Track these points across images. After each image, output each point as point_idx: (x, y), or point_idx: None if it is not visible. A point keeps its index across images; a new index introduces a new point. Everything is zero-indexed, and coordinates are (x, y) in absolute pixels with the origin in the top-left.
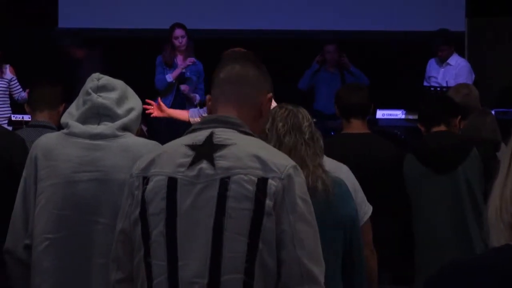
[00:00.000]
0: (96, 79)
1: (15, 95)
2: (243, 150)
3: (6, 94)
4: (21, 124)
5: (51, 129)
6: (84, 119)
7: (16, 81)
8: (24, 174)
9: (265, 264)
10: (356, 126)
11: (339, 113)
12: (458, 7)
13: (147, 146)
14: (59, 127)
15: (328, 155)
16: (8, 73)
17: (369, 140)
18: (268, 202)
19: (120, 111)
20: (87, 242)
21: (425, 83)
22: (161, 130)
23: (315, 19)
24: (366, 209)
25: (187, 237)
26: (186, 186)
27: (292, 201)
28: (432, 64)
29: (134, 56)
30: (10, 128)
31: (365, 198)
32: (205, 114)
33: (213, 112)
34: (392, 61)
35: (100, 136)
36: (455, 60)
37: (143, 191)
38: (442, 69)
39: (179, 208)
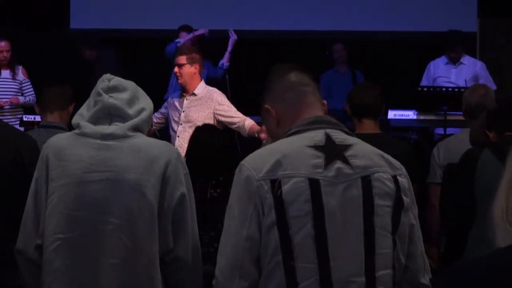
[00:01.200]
0: (107, 80)
1: (26, 104)
2: (367, 149)
3: (18, 95)
4: (32, 124)
5: (62, 129)
6: (95, 120)
7: (28, 83)
8: (35, 174)
9: (399, 259)
10: (368, 126)
11: (351, 112)
12: (469, 8)
13: (158, 147)
14: (70, 127)
15: None
16: (21, 74)
17: (382, 140)
18: (405, 198)
19: (131, 111)
20: (98, 242)
21: (423, 83)
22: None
23: (324, 20)
24: None
25: (337, 237)
26: (328, 186)
27: (412, 197)
28: (438, 65)
29: (146, 57)
30: (21, 128)
31: None
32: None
33: (291, 114)
34: (403, 61)
35: (111, 136)
36: (468, 60)
37: (279, 194)
38: (455, 69)
39: (325, 209)
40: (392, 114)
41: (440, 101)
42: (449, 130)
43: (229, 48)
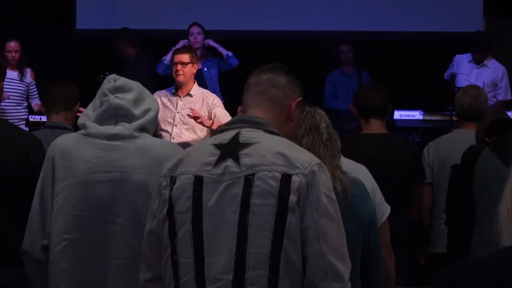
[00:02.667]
0: (113, 80)
1: (31, 100)
2: (268, 147)
3: (24, 97)
4: (38, 125)
5: (67, 130)
6: (101, 120)
7: (34, 86)
8: (41, 175)
9: (290, 261)
10: (375, 127)
11: (358, 113)
12: (475, 8)
13: (164, 147)
14: (75, 127)
15: (347, 156)
16: (29, 77)
17: (389, 140)
18: (292, 198)
19: (136, 111)
20: (104, 243)
21: (447, 75)
22: None
23: (330, 20)
24: (384, 210)
25: (213, 234)
26: (211, 184)
27: (316, 197)
28: (462, 61)
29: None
30: (27, 129)
31: (383, 198)
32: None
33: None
34: (410, 61)
35: (117, 136)
36: (493, 63)
37: (170, 190)
38: (476, 70)
39: (204, 206)
40: (398, 115)
41: (446, 102)
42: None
43: (217, 45)
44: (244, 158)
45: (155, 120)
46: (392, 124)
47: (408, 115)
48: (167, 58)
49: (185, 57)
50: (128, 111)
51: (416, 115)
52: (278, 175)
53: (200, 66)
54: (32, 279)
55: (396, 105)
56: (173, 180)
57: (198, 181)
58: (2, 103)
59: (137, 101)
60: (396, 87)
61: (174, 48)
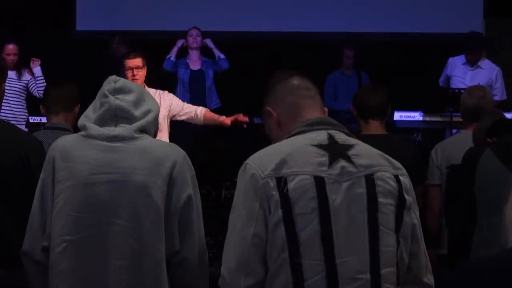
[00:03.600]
0: (113, 81)
1: (35, 93)
2: (368, 149)
3: (23, 96)
4: (38, 126)
5: (67, 131)
6: (101, 122)
7: (33, 81)
8: (41, 176)
9: (403, 258)
10: (374, 127)
11: (357, 114)
12: (475, 9)
13: (165, 148)
14: (75, 128)
15: None
16: (27, 75)
17: (389, 141)
18: (408, 197)
19: (137, 113)
20: (105, 244)
21: (442, 81)
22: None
23: (333, 21)
24: None
25: (342, 234)
26: (333, 184)
27: (414, 197)
28: (455, 64)
29: (153, 58)
30: (27, 130)
31: None
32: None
33: (291, 116)
34: (409, 62)
35: (118, 138)
36: (487, 64)
37: (285, 191)
38: (471, 72)
39: (331, 206)
40: (398, 116)
41: (445, 103)
42: (455, 132)
43: (213, 46)
44: (356, 159)
45: (155, 121)
46: (392, 125)
47: (408, 116)
48: (172, 55)
49: (138, 61)
50: (128, 113)
51: (416, 116)
52: (393, 176)
53: (200, 66)
54: (32, 280)
55: (396, 106)
56: (283, 181)
57: (319, 181)
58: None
59: (137, 102)
60: (396, 88)
61: (177, 47)
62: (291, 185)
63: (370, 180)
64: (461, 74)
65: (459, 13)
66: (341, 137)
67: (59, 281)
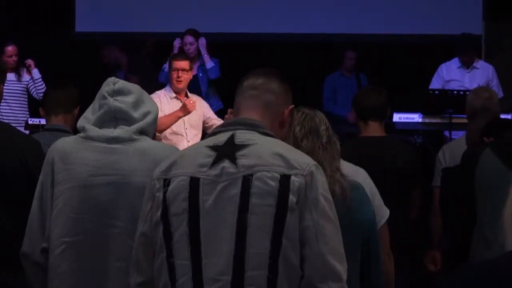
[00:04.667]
0: (112, 83)
1: (34, 94)
2: (265, 148)
3: (24, 97)
4: (37, 128)
5: (67, 132)
6: (100, 123)
7: (32, 82)
8: (40, 177)
9: (288, 261)
10: (374, 129)
11: (357, 115)
12: (475, 11)
13: (164, 150)
14: (74, 130)
15: (347, 159)
16: (26, 75)
17: (388, 142)
18: (292, 198)
19: (136, 114)
20: (104, 246)
21: (435, 85)
22: None
23: (332, 23)
24: (383, 213)
25: (210, 235)
26: (208, 185)
27: (315, 198)
28: (450, 68)
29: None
30: (26, 132)
31: (382, 202)
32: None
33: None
34: (409, 64)
35: (117, 139)
36: (481, 64)
37: (164, 192)
38: (468, 74)
39: (201, 207)
40: (397, 117)
41: (445, 104)
42: (454, 133)
43: (204, 52)
44: (242, 159)
45: (154, 123)
46: (391, 127)
47: (407, 118)
48: (167, 66)
49: (185, 64)
50: (127, 114)
51: (415, 117)
52: (277, 176)
53: (195, 72)
54: (32, 282)
55: (395, 107)
56: (167, 182)
57: (194, 182)
58: (1, 106)
59: (136, 104)
60: (395, 89)
61: (173, 54)
62: (170, 186)
63: (246, 181)
64: (458, 77)
65: (458, 15)
66: (244, 137)
67: (59, 282)
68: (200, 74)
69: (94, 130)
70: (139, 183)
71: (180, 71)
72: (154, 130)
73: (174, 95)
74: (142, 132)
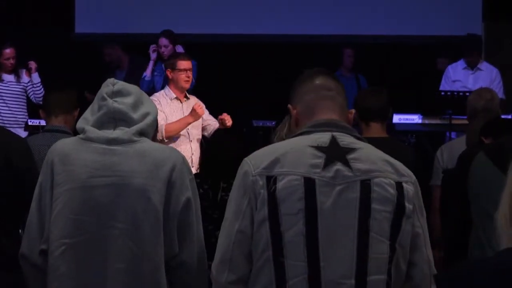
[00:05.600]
0: (111, 84)
1: (36, 86)
2: (373, 154)
3: (23, 98)
4: (37, 129)
5: (67, 134)
6: (100, 124)
7: (31, 85)
8: (40, 179)
9: (399, 266)
10: (375, 130)
11: (358, 116)
12: (475, 11)
13: (163, 151)
14: (74, 131)
15: None
16: (25, 77)
17: (389, 144)
18: (408, 206)
19: (135, 116)
20: (104, 247)
21: (444, 87)
22: None
23: (332, 24)
24: None
25: (329, 237)
26: (325, 186)
27: (420, 205)
28: (456, 69)
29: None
30: (26, 133)
31: None
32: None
33: (307, 116)
34: (408, 65)
35: (116, 141)
36: (485, 66)
37: (273, 191)
38: (472, 75)
39: (319, 209)
40: (397, 118)
41: (445, 105)
42: (454, 135)
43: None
44: (355, 163)
45: (154, 124)
46: (391, 128)
47: (407, 119)
48: (147, 74)
49: (190, 64)
50: (127, 115)
51: (415, 118)
52: (393, 183)
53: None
54: (31, 284)
55: (395, 108)
56: (273, 180)
57: (309, 182)
58: (0, 107)
59: (136, 105)
60: (395, 90)
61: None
62: (279, 184)
63: (365, 186)
64: (463, 78)
65: (458, 16)
66: (347, 140)
67: (58, 284)
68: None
69: (94, 131)
70: (138, 184)
71: (188, 71)
72: (153, 131)
73: (174, 96)
74: (141, 133)
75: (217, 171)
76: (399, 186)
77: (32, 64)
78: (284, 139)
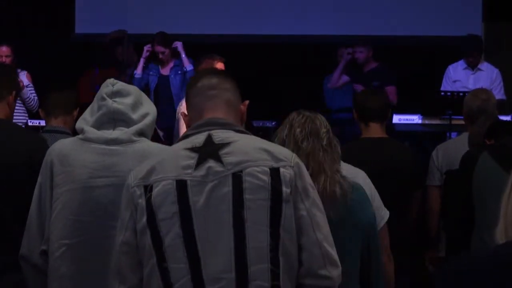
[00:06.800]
0: (111, 84)
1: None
2: (248, 144)
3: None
4: (37, 129)
5: (66, 134)
6: (99, 125)
7: (32, 88)
8: (39, 179)
9: (287, 252)
10: (375, 130)
11: (357, 116)
12: (474, 12)
13: (162, 151)
14: (74, 131)
15: (347, 160)
16: (25, 79)
17: (388, 144)
18: (285, 189)
19: (135, 116)
20: (104, 248)
21: (445, 88)
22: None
23: (331, 24)
24: (382, 214)
25: (206, 235)
26: (196, 186)
27: (304, 187)
28: (456, 69)
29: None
30: None
31: (381, 203)
32: None
33: (196, 119)
34: (408, 65)
35: (116, 141)
36: (486, 66)
37: (148, 199)
38: (473, 75)
39: (193, 209)
40: (396, 119)
41: (445, 106)
42: (454, 135)
43: (183, 53)
44: (227, 157)
45: (153, 125)
46: (391, 128)
47: (407, 119)
48: (138, 72)
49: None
50: (126, 116)
51: (415, 119)
52: (267, 169)
53: (167, 73)
54: (31, 284)
55: (395, 109)
56: (149, 188)
57: (181, 185)
58: None
59: (135, 106)
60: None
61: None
62: (154, 191)
63: (237, 178)
64: (463, 79)
65: (458, 16)
66: (224, 135)
67: (59, 285)
68: (172, 75)
69: (93, 131)
70: None
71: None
72: (152, 131)
73: None
74: (141, 133)
75: None
76: (274, 171)
77: (21, 82)
78: (284, 140)
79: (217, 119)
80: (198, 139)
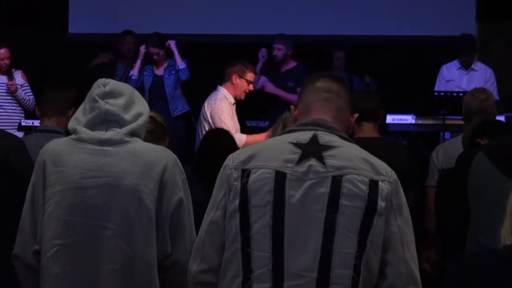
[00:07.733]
0: (103, 85)
1: (22, 101)
2: (351, 152)
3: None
4: (31, 129)
5: (59, 134)
6: (91, 125)
7: (27, 87)
8: (32, 179)
9: (369, 263)
10: (368, 130)
11: None
12: (468, 11)
13: (155, 152)
14: (68, 132)
15: None
16: (20, 78)
17: (381, 144)
18: (381, 203)
19: (127, 116)
20: (96, 248)
21: (439, 87)
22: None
23: (325, 24)
24: None
25: (294, 230)
26: (295, 181)
27: (399, 204)
28: (450, 69)
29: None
30: (20, 133)
31: None
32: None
33: (303, 116)
34: (401, 65)
35: (108, 142)
36: (479, 66)
37: (245, 183)
38: (466, 75)
39: (287, 202)
40: (390, 119)
41: (438, 106)
42: (448, 135)
43: (176, 51)
44: (329, 159)
45: (146, 125)
46: (385, 128)
47: (400, 119)
48: (134, 73)
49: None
50: (118, 117)
51: (409, 119)
52: (367, 180)
53: (162, 73)
54: (24, 284)
55: (388, 109)
56: (246, 173)
57: (280, 176)
58: None
59: (127, 106)
60: (388, 91)
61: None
62: (252, 177)
63: (336, 181)
64: (457, 78)
65: (451, 16)
66: (329, 138)
67: (51, 285)
68: (166, 75)
69: (86, 132)
70: (130, 185)
71: (252, 84)
72: (145, 131)
73: (233, 101)
74: (133, 134)
75: (209, 171)
76: (373, 183)
77: (13, 86)
78: None
79: (324, 121)
80: (304, 136)
